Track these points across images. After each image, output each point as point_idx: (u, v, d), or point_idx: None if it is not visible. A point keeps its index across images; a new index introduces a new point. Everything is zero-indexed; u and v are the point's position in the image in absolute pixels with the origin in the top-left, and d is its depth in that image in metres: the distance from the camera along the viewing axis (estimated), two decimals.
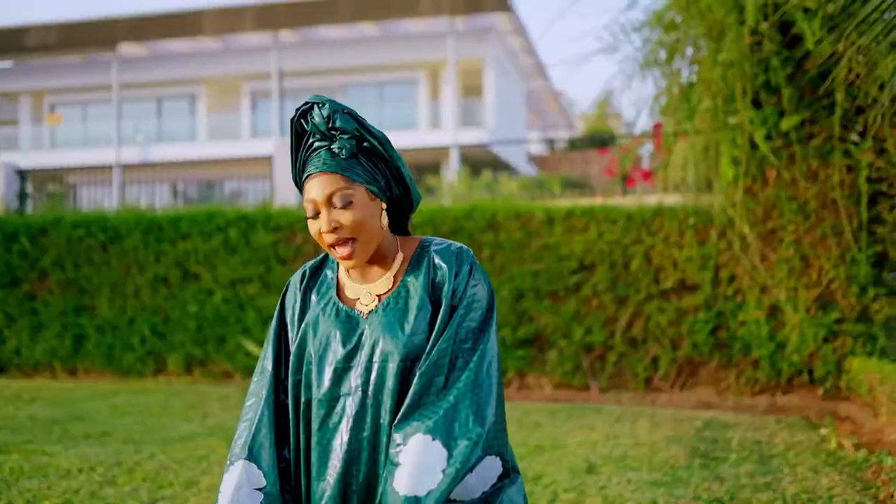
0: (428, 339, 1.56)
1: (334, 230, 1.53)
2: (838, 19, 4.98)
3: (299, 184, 1.64)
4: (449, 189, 13.43)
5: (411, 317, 1.57)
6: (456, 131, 21.15)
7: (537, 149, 29.43)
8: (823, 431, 5.00)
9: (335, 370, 1.59)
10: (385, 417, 1.54)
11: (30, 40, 22.34)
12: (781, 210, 5.88)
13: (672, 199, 6.84)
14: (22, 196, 10.40)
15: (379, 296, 1.62)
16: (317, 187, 1.54)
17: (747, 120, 5.71)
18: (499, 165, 22.57)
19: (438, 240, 1.68)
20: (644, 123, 7.03)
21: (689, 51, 6.19)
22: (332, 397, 1.59)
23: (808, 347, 5.90)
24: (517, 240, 6.75)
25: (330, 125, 1.54)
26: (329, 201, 1.53)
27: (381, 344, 1.56)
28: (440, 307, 1.58)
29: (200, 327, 7.54)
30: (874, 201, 5.71)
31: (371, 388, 1.56)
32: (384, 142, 1.59)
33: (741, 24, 5.57)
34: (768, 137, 5.78)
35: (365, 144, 1.57)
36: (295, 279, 1.75)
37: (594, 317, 6.58)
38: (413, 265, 1.63)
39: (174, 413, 6.00)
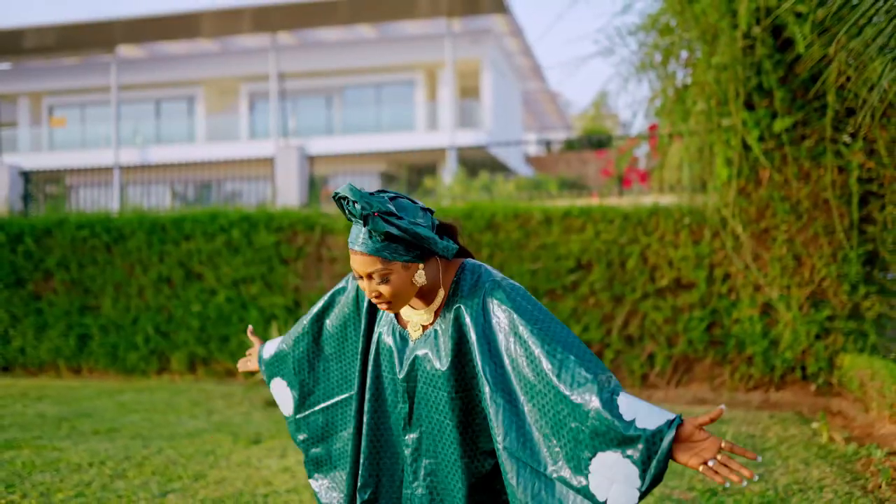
0: (461, 363, 1.81)
1: (377, 297, 1.77)
2: (829, 23, 5.09)
3: None
4: (446, 190, 13.53)
5: (446, 347, 1.82)
6: (453, 133, 21.24)
7: (534, 150, 29.52)
8: (815, 426, 5.12)
9: (392, 379, 1.90)
10: (437, 428, 1.85)
11: (28, 42, 22.37)
12: (774, 210, 6.00)
13: (667, 200, 6.96)
14: (26, 197, 10.48)
15: (423, 326, 1.87)
16: (358, 264, 1.75)
17: (740, 122, 5.83)
18: (496, 166, 22.68)
19: (469, 273, 1.86)
20: (640, 125, 7.12)
21: (684, 54, 6.31)
22: (392, 400, 1.92)
23: (801, 344, 6.02)
24: (515, 240, 6.86)
25: (365, 222, 1.72)
26: (369, 277, 1.75)
27: (424, 364, 1.84)
28: (472, 336, 1.80)
29: (203, 326, 7.65)
30: (865, 201, 5.83)
31: (419, 389, 1.85)
32: (414, 235, 1.75)
33: (734, 28, 5.69)
34: (761, 139, 5.90)
35: (394, 242, 1.78)
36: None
37: (591, 315, 6.70)
38: (448, 304, 1.85)
39: (180, 410, 6.10)
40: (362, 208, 1.68)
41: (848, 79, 5.39)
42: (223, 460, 4.50)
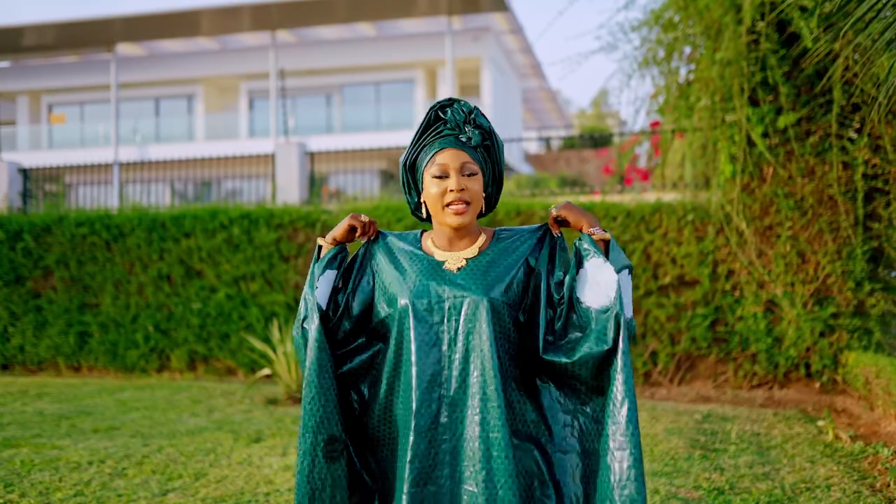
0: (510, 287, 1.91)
1: (461, 190, 1.87)
2: (835, 18, 5.05)
3: (409, 162, 1.98)
4: None
5: (495, 271, 1.91)
6: None
7: (534, 148, 29.47)
8: (821, 423, 5.08)
9: (429, 303, 1.90)
10: (482, 344, 1.85)
11: (27, 40, 22.31)
12: (778, 206, 5.96)
13: (670, 197, 6.91)
14: (25, 195, 10.43)
15: (466, 259, 1.94)
16: (451, 156, 1.89)
17: (744, 117, 5.78)
18: None
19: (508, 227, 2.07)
20: (642, 122, 7.08)
21: (687, 50, 6.26)
22: (429, 321, 1.90)
23: (805, 342, 5.98)
24: None
25: (467, 119, 1.93)
26: (460, 169, 1.88)
27: (471, 288, 1.88)
28: (531, 269, 1.96)
29: (204, 324, 7.60)
30: (870, 198, 5.79)
31: (463, 318, 1.87)
32: (501, 147, 1.98)
33: (739, 23, 5.64)
34: (765, 135, 5.86)
35: (486, 143, 1.95)
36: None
37: None
38: (495, 240, 1.99)
39: (180, 408, 6.06)
40: (470, 105, 1.92)
41: (855, 75, 5.35)
42: (224, 459, 4.46)
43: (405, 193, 2.03)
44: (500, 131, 23.21)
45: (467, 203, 1.88)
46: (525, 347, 1.92)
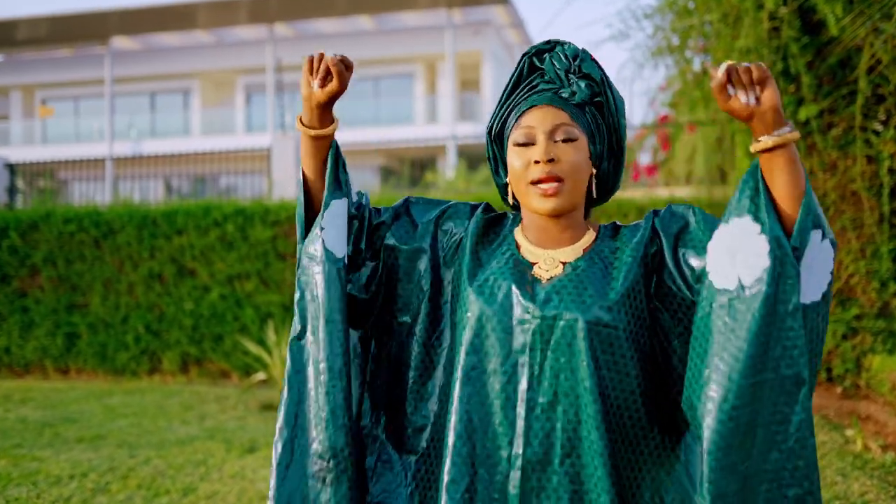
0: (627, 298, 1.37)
1: (550, 161, 1.35)
2: (860, 5, 4.78)
3: (496, 129, 1.48)
4: (448, 184, 13.22)
5: (600, 281, 1.37)
6: (453, 125, 20.93)
7: None
8: (849, 433, 4.81)
9: (507, 325, 1.36)
10: (577, 388, 1.32)
11: (20, 34, 22.04)
12: None
13: (683, 192, 6.65)
14: (12, 190, 10.14)
15: (563, 263, 1.41)
16: (540, 116, 1.39)
17: None
18: None
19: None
20: (653, 114, 6.82)
21: (703, 38, 5.99)
22: (505, 347, 1.35)
23: (827, 345, 5.71)
24: None
25: (571, 68, 1.41)
26: (551, 133, 1.38)
27: (566, 305, 1.34)
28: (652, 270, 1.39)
29: (196, 325, 7.32)
30: None
31: (551, 348, 1.33)
32: (620, 104, 1.44)
33: (759, 9, 5.36)
34: None
35: (598, 99, 1.42)
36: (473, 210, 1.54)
37: None
38: (602, 238, 1.44)
39: (170, 415, 5.78)
40: (575, 50, 1.41)
41: (878, 62, 5.08)
42: (215, 471, 4.19)
43: (493, 173, 1.53)
44: None
45: (560, 180, 1.36)
46: (666, 391, 1.37)
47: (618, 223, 1.48)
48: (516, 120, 1.42)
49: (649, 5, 6.15)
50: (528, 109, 1.40)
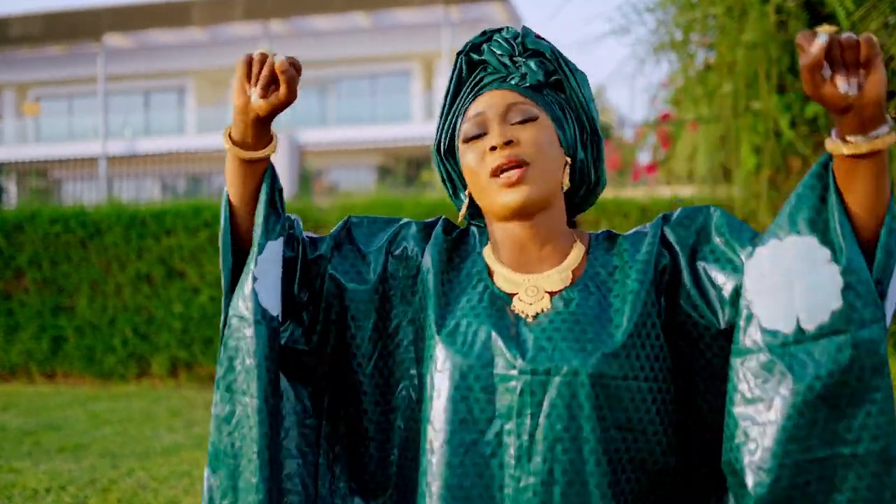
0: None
1: (508, 144, 1.10)
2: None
3: (445, 143, 1.22)
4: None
5: (603, 315, 1.08)
6: None
7: None
8: None
9: (487, 381, 1.08)
10: (581, 452, 1.04)
11: (13, 31, 21.87)
12: None
13: (686, 192, 6.49)
14: None
15: (550, 293, 1.11)
16: (488, 100, 1.15)
17: (771, 105, 5.34)
18: None
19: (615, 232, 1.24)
20: (653, 112, 6.67)
21: (707, 32, 5.83)
22: (483, 414, 1.07)
23: None
24: None
25: (515, 50, 1.17)
26: (505, 116, 1.13)
27: (554, 358, 1.05)
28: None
29: (186, 328, 7.14)
30: None
31: (545, 412, 1.05)
32: (581, 77, 1.18)
33: (765, 2, 5.20)
34: (792, 124, 5.42)
35: (555, 78, 1.18)
36: (428, 226, 1.24)
37: None
38: (595, 254, 1.16)
39: (157, 421, 5.60)
40: (515, 32, 1.20)
41: (892, 58, 4.91)
42: (199, 484, 4.01)
43: (449, 194, 1.27)
44: None
45: (523, 165, 1.10)
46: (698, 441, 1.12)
47: (613, 232, 1.21)
48: (464, 118, 1.18)
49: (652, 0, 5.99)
50: (473, 102, 1.18)
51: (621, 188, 9.12)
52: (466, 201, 1.21)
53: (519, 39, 1.18)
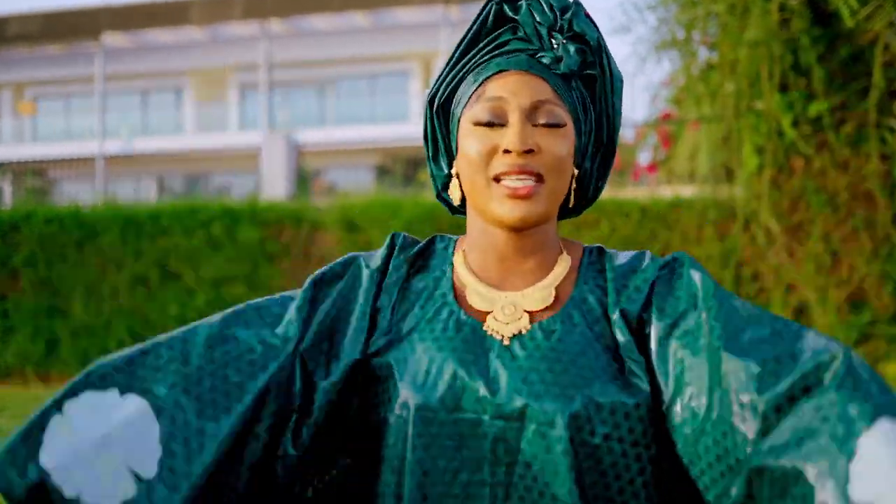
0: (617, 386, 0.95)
1: (528, 152, 0.95)
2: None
3: (441, 98, 1.07)
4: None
5: (593, 354, 0.95)
6: None
7: None
8: None
9: (453, 428, 0.94)
10: None
11: (10, 30, 21.83)
12: (809, 202, 5.47)
13: (687, 192, 6.44)
14: None
15: (530, 313, 0.99)
16: (514, 86, 0.98)
17: (774, 105, 5.28)
18: None
19: (601, 251, 1.08)
20: (653, 112, 6.63)
21: (708, 30, 5.77)
22: (452, 464, 0.93)
23: None
24: None
25: (558, 24, 1.00)
26: (531, 113, 0.97)
27: (531, 402, 0.92)
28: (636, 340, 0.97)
29: None
30: None
31: (519, 463, 0.92)
32: (618, 82, 1.04)
33: (767, 0, 5.14)
34: (795, 123, 5.36)
35: (589, 72, 1.02)
36: (379, 261, 1.07)
37: None
38: (586, 275, 1.03)
39: None
40: (562, 3, 1.02)
41: (894, 63, 4.86)
42: None
43: (428, 159, 1.10)
44: None
45: (537, 177, 0.97)
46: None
47: (604, 249, 1.07)
48: (477, 88, 1.01)
49: None
50: (495, 75, 1.00)
51: (621, 188, 9.06)
52: (458, 184, 1.04)
53: (567, 15, 1.01)
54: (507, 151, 0.96)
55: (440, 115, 1.07)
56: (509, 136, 0.96)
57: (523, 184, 0.96)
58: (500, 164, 0.97)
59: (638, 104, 13.32)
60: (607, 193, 7.23)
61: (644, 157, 9.58)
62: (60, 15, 21.72)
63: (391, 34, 22.42)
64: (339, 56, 22.75)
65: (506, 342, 0.96)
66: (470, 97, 1.01)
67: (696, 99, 5.77)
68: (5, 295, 7.58)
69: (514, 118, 0.97)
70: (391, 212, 6.71)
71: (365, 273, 1.06)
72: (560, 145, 0.98)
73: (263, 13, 21.23)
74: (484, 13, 1.05)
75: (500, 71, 1.00)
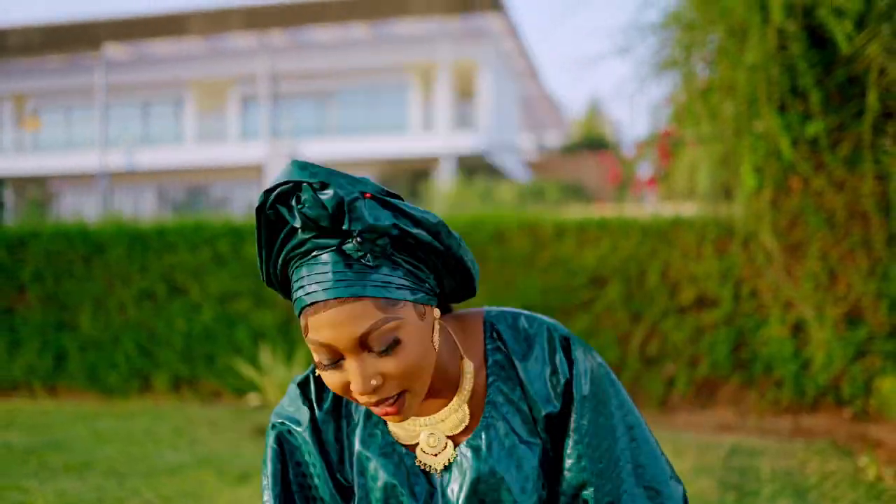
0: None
1: (376, 389, 0.95)
2: (872, 23, 4.66)
3: (277, 285, 1.04)
4: (443, 197, 13.06)
5: (521, 468, 1.03)
6: (448, 135, 20.79)
7: (531, 151, 29.17)
8: (861, 461, 4.67)
9: None
10: None
11: (12, 41, 21.86)
12: (807, 221, 5.55)
13: (687, 210, 6.52)
14: (0, 206, 9.96)
15: (452, 437, 1.05)
16: (333, 329, 0.92)
17: (773, 126, 5.37)
18: (492, 169, 22.25)
19: (507, 320, 1.11)
20: (651, 128, 6.70)
21: (707, 52, 5.86)
22: None
23: (836, 366, 5.58)
24: (525, 253, 6.41)
25: (338, 220, 0.92)
26: (361, 345, 0.93)
27: None
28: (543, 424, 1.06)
29: (188, 345, 7.14)
30: None
31: None
32: (437, 232, 0.99)
33: (765, 24, 5.23)
34: (793, 144, 5.45)
35: (409, 241, 0.97)
36: (310, 397, 1.12)
37: (607, 334, 6.23)
38: (493, 372, 1.06)
39: (160, 440, 5.60)
40: (341, 195, 0.91)
41: (889, 86, 4.95)
42: (207, 503, 4.02)
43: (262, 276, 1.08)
44: (497, 135, 22.78)
45: (399, 394, 0.98)
46: None
47: (495, 325, 1.09)
48: (301, 312, 0.97)
49: (653, 21, 6.02)
50: (308, 306, 0.95)
51: (622, 202, 9.15)
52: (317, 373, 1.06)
53: (351, 213, 0.92)
54: (360, 394, 0.96)
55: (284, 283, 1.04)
56: (353, 380, 0.95)
57: (389, 409, 0.97)
58: (361, 400, 0.97)
59: (637, 119, 13.40)
60: (610, 211, 7.31)
61: (644, 171, 9.65)
62: (61, 26, 21.77)
63: (391, 46, 22.50)
64: (339, 67, 22.83)
65: (438, 475, 1.04)
66: (300, 316, 0.97)
67: (695, 119, 5.86)
68: (13, 309, 7.61)
69: (349, 360, 0.95)
70: None
71: (303, 438, 1.10)
72: (406, 357, 0.94)
73: (263, 24, 21.30)
74: (260, 223, 0.98)
75: (314, 302, 0.94)
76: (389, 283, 0.92)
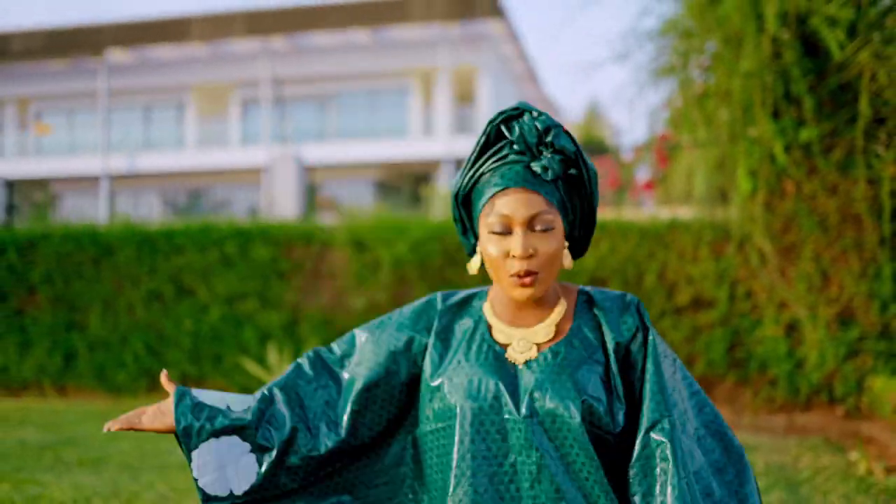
0: (604, 400, 1.37)
1: (529, 256, 1.34)
2: (863, 31, 4.82)
3: (462, 194, 1.44)
4: (444, 201, 13.19)
5: (583, 374, 1.36)
6: (449, 139, 20.93)
7: None
8: (852, 456, 4.81)
9: (502, 425, 1.35)
10: (580, 478, 1.33)
11: (15, 46, 22.00)
12: (800, 224, 5.70)
13: (684, 213, 6.67)
14: (10, 208, 10.10)
15: (538, 345, 1.41)
16: (516, 204, 1.34)
17: (767, 131, 5.52)
18: None
19: (598, 289, 1.50)
20: (649, 132, 6.85)
21: (704, 59, 6.01)
22: (490, 453, 1.34)
23: (828, 365, 5.72)
24: None
25: (541, 140, 1.36)
26: (529, 224, 1.35)
27: (548, 402, 1.34)
28: (611, 369, 1.41)
29: (196, 345, 7.28)
30: None
31: (542, 451, 1.32)
32: (594, 176, 1.41)
33: (760, 32, 5.39)
34: (787, 149, 5.60)
35: (571, 172, 1.39)
36: (435, 307, 1.53)
37: None
38: (579, 315, 1.45)
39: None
40: (547, 119, 1.35)
41: (881, 89, 5.10)
42: None
43: (459, 233, 1.50)
44: None
45: (537, 273, 1.35)
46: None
47: (590, 294, 1.48)
48: (489, 198, 1.37)
49: (651, 28, 6.18)
50: (500, 192, 1.36)
51: (620, 206, 9.29)
52: (479, 261, 1.43)
53: (551, 136, 1.35)
54: (514, 256, 1.35)
55: (464, 204, 1.46)
56: (515, 243, 1.35)
57: (526, 280, 1.36)
58: (511, 265, 1.36)
59: (635, 123, 13.54)
60: (609, 215, 7.46)
61: (642, 174, 9.80)
62: (64, 31, 21.91)
63: (391, 51, 22.63)
64: (340, 72, 22.96)
65: (520, 366, 1.39)
66: (484, 205, 1.38)
67: (691, 124, 6.01)
68: (23, 310, 7.75)
69: (517, 230, 1.35)
70: (398, 232, 6.90)
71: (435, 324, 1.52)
72: (551, 244, 1.36)
73: (265, 29, 21.42)
74: (486, 131, 1.40)
75: (505, 188, 1.36)
76: (553, 196, 1.36)
